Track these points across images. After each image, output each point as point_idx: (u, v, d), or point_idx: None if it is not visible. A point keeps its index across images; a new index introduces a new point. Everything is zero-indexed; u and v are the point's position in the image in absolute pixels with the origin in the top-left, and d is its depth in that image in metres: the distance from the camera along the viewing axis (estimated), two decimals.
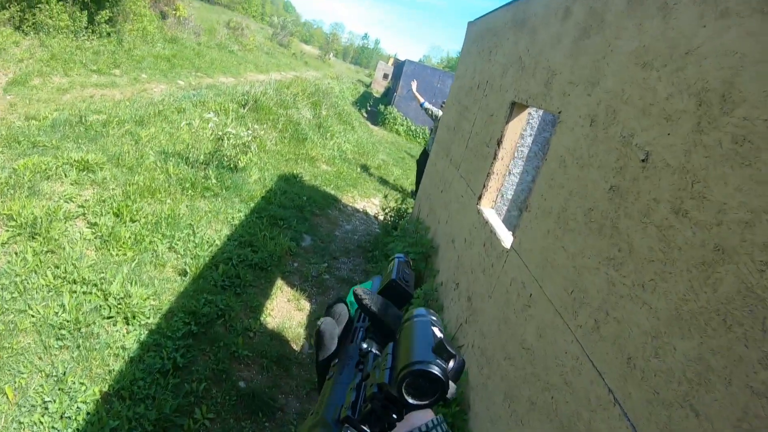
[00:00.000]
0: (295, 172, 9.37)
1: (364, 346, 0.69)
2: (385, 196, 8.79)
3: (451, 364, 0.53)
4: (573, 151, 2.52)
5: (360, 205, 9.56)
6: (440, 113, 9.51)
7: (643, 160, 1.84)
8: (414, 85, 11.70)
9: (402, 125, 23.29)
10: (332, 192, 9.33)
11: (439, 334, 0.58)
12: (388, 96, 29.41)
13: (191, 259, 5.05)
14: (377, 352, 0.68)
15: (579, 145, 2.46)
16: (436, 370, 0.51)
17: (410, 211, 8.37)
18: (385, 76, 41.77)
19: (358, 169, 12.04)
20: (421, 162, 9.87)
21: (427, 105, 10.33)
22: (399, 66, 27.26)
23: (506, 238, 3.40)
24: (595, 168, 2.25)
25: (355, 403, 0.59)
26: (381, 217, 9.27)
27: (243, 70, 21.05)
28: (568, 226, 2.37)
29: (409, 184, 13.87)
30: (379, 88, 39.96)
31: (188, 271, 4.85)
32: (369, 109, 26.45)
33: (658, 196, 1.72)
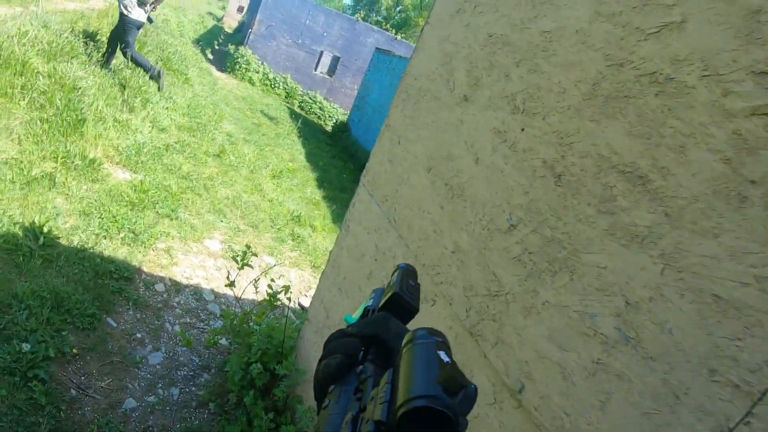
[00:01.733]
0: (37, 203, 4.44)
1: (362, 369, 0.60)
2: (234, 259, 4.30)
3: (461, 395, 0.44)
4: None
5: (185, 265, 5.04)
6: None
7: None
8: None
9: (257, 72, 18.05)
10: (124, 245, 4.64)
11: (446, 360, 0.49)
12: (242, 32, 23.54)
13: None
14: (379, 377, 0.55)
15: None
16: (441, 407, 0.42)
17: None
18: (240, 9, 35.47)
19: (185, 167, 7.22)
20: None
21: None
22: None
23: None
24: None
25: None
26: (225, 291, 4.85)
27: None
28: None
29: (271, 175, 9.23)
30: (232, 23, 33.53)
31: None
32: (217, 48, 20.64)
33: None
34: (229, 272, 4.55)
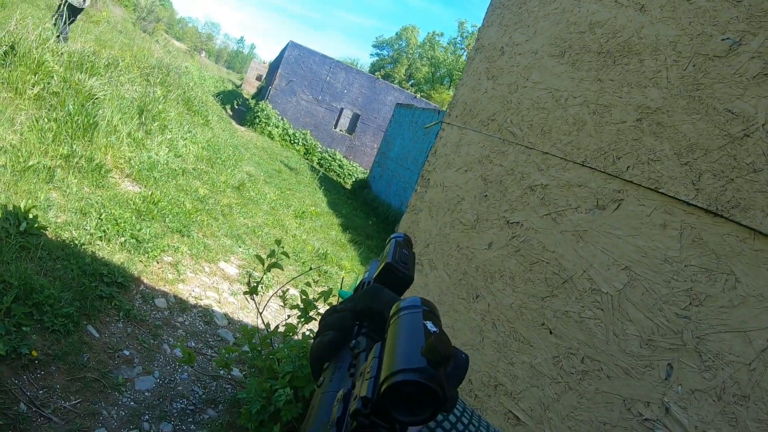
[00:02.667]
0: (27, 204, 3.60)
1: (355, 344, 0.56)
2: (259, 258, 3.41)
3: (450, 366, 0.43)
4: None
5: (194, 284, 4.13)
6: None
7: None
8: None
9: (277, 127, 17.71)
10: (124, 250, 3.76)
11: (432, 330, 0.45)
12: (261, 94, 23.59)
13: None
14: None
15: None
16: (425, 380, 0.38)
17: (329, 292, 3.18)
18: (259, 77, 36.23)
19: (201, 190, 6.44)
20: None
21: None
22: (279, 54, 21.63)
23: None
24: None
25: (341, 420, 0.44)
26: (241, 317, 3.95)
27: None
28: None
29: (293, 214, 8.42)
30: (250, 89, 34.15)
31: None
32: (236, 108, 20.54)
33: None
34: (250, 275, 3.62)
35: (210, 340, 3.57)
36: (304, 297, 3.01)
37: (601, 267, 1.45)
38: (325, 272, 6.28)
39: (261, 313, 3.39)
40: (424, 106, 17.49)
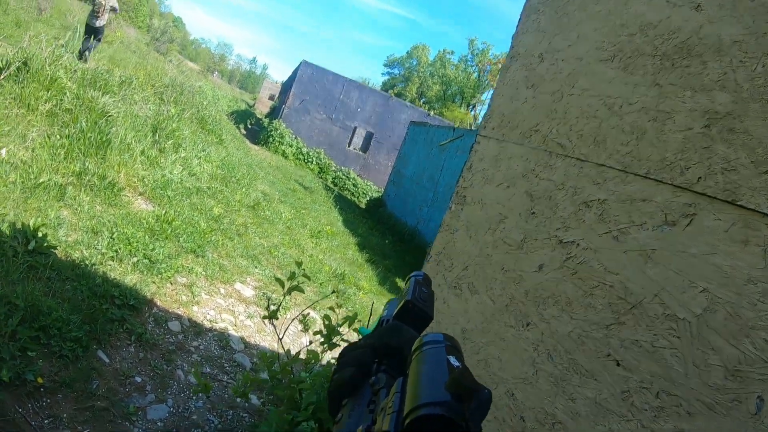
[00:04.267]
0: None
1: (375, 380, 0.57)
2: (278, 281, 3.29)
3: (473, 401, 0.41)
4: None
5: (209, 306, 3.98)
6: None
7: None
8: None
9: (290, 146, 17.71)
10: (136, 271, 3.64)
11: (455, 365, 0.47)
12: (274, 113, 23.71)
13: None
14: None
15: None
16: (450, 414, 0.40)
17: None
18: (272, 97, 36.53)
19: (216, 210, 6.34)
20: None
21: None
22: (292, 74, 21.75)
23: None
24: None
25: None
26: (258, 341, 3.81)
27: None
28: None
29: (309, 234, 8.29)
30: (263, 109, 34.42)
31: None
32: (249, 127, 20.62)
33: None
34: (269, 299, 3.46)
35: (226, 365, 3.42)
36: (327, 322, 2.85)
37: (675, 290, 1.30)
38: (344, 293, 6.11)
39: (281, 339, 3.23)
40: (438, 124, 17.42)
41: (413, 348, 0.52)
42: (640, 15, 1.63)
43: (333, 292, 4.73)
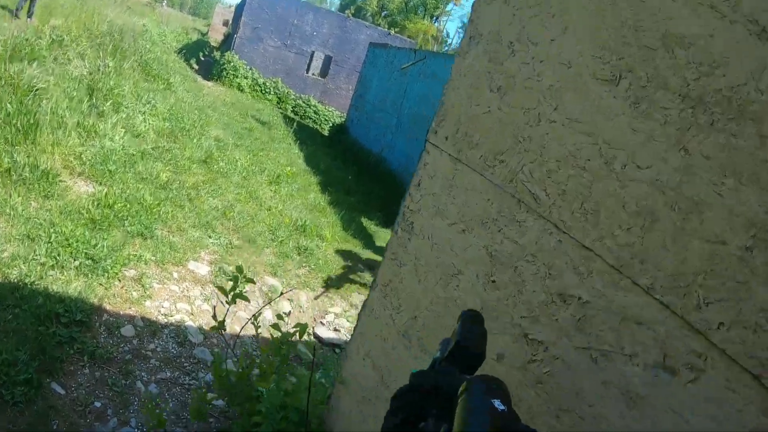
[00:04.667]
0: None
1: (424, 426, 0.61)
2: (221, 290, 3.24)
3: None
4: None
5: (163, 297, 3.88)
6: None
7: None
8: None
9: (246, 78, 17.04)
10: (80, 276, 3.53)
11: (500, 409, 0.49)
12: (227, 43, 22.54)
13: None
14: None
15: None
16: None
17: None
18: (225, 22, 34.56)
19: (163, 174, 6.14)
20: None
21: None
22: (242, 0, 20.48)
23: None
24: None
25: None
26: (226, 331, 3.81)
27: None
28: None
29: (267, 181, 8.14)
30: (217, 36, 32.59)
31: None
32: (203, 59, 19.63)
33: None
34: (215, 307, 3.45)
35: (186, 364, 3.45)
36: (273, 332, 2.83)
37: None
38: (305, 249, 6.11)
39: (233, 345, 3.25)
40: (399, 45, 16.78)
41: (459, 391, 0.52)
42: (666, 19, 1.05)
43: (281, 294, 4.71)
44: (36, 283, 3.23)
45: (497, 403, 0.48)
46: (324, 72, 19.88)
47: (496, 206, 1.48)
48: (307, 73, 19.45)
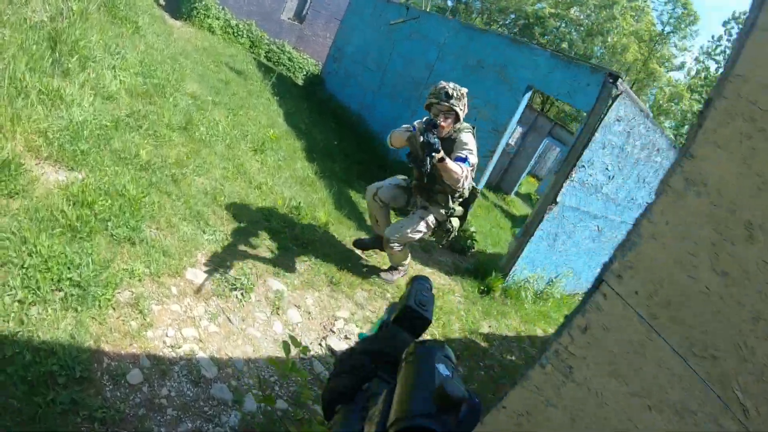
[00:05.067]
0: None
1: (368, 386, 0.58)
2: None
3: (463, 411, 0.41)
4: None
5: (165, 322, 3.12)
6: None
7: None
8: None
9: (217, 18, 15.70)
10: (67, 310, 2.82)
11: (445, 373, 0.46)
12: None
13: None
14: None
15: None
16: (433, 426, 0.39)
17: None
18: None
19: (143, 152, 5.33)
20: None
21: None
22: None
23: None
24: None
25: None
26: (229, 352, 3.26)
27: None
28: None
29: (252, 148, 7.36)
30: None
31: None
32: None
33: None
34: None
35: (206, 408, 2.90)
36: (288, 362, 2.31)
37: None
38: (304, 241, 5.53)
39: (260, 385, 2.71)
40: None
41: (404, 355, 0.51)
42: None
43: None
44: (20, 332, 2.57)
45: (442, 368, 0.46)
46: (300, 16, 18.51)
47: (696, 400, 1.21)
48: (282, 15, 18.07)
